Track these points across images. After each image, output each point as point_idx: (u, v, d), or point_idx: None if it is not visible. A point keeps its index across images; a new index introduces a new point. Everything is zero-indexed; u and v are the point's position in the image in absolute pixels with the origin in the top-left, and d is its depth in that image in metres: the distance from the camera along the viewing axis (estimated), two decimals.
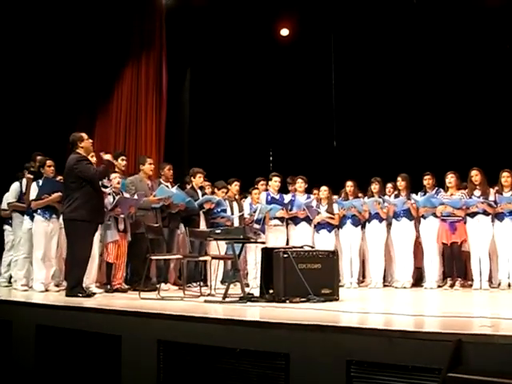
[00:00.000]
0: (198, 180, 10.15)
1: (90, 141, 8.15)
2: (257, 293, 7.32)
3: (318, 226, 10.28)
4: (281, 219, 10.23)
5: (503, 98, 12.05)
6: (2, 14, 11.36)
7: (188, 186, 10.27)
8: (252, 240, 7.65)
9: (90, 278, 8.35)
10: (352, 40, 13.32)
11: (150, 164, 9.67)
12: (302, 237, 10.06)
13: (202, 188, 10.28)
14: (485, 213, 9.30)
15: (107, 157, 8.05)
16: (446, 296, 8.52)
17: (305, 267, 6.84)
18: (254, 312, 6.12)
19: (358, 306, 6.80)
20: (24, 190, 9.21)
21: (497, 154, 11.14)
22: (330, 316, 5.43)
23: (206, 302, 7.11)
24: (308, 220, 10.30)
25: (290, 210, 10.25)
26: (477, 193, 9.38)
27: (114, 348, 5.52)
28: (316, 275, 6.89)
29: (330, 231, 10.25)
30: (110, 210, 8.52)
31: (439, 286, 9.56)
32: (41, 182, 8.74)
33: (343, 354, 4.25)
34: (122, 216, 8.81)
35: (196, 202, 9.74)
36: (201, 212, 9.89)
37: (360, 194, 10.51)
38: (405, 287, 9.68)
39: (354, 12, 12.89)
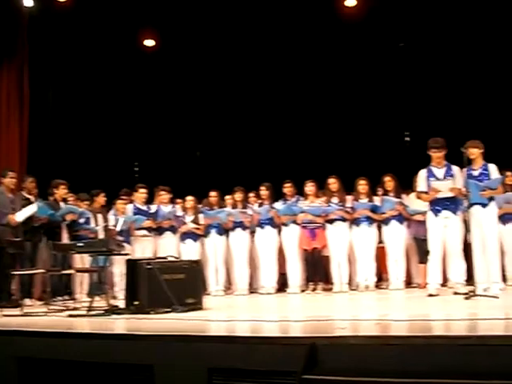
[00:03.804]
0: (62, 192, 9.97)
1: None
2: (123, 305, 7.31)
3: (184, 236, 10.36)
4: (148, 230, 10.24)
5: (353, 105, 12.63)
6: None
7: (51, 198, 10.06)
8: (115, 252, 7.64)
9: None
10: (210, 50, 13.37)
11: (12, 178, 9.42)
12: (168, 247, 10.10)
13: (65, 200, 10.10)
14: (343, 219, 9.74)
15: None
16: (308, 300, 8.81)
17: (169, 278, 6.90)
18: (119, 325, 6.13)
19: (222, 315, 6.92)
20: None
21: (353, 162, 11.64)
22: (194, 325, 5.53)
23: (70, 316, 7.02)
24: (173, 230, 10.38)
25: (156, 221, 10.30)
26: (335, 200, 9.79)
27: None
28: (180, 285, 6.96)
29: (195, 240, 10.36)
30: None
31: (302, 291, 9.88)
32: None
33: (205, 362, 4.35)
34: None
35: (58, 213, 9.58)
36: (64, 224, 9.72)
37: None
38: (269, 293, 9.92)
39: (212, 24, 12.98)
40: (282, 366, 4.08)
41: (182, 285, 7.00)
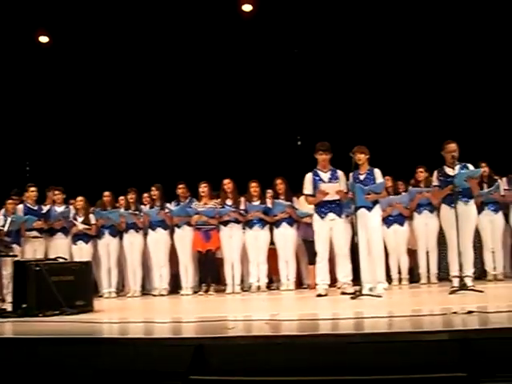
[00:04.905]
0: None
1: None
2: (10, 308, 7.14)
3: (75, 237, 10.22)
4: (40, 231, 10.02)
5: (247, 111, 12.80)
6: None
7: None
8: (2, 253, 7.46)
9: None
10: (101, 47, 13.17)
11: None
12: (60, 248, 9.95)
13: None
14: (236, 221, 9.84)
15: None
16: (200, 301, 8.88)
17: (58, 279, 6.81)
18: (6, 328, 5.98)
19: (112, 316, 6.89)
20: None
21: (246, 164, 11.75)
22: (82, 327, 5.49)
23: None
24: (65, 231, 10.22)
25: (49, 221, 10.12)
26: (229, 202, 9.88)
27: None
28: (69, 287, 6.90)
29: (87, 242, 10.24)
30: None
31: (195, 292, 9.92)
32: None
33: (92, 364, 4.32)
34: None
35: None
36: None
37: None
38: (162, 294, 9.92)
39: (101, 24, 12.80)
40: (170, 367, 4.11)
41: (72, 286, 6.94)
